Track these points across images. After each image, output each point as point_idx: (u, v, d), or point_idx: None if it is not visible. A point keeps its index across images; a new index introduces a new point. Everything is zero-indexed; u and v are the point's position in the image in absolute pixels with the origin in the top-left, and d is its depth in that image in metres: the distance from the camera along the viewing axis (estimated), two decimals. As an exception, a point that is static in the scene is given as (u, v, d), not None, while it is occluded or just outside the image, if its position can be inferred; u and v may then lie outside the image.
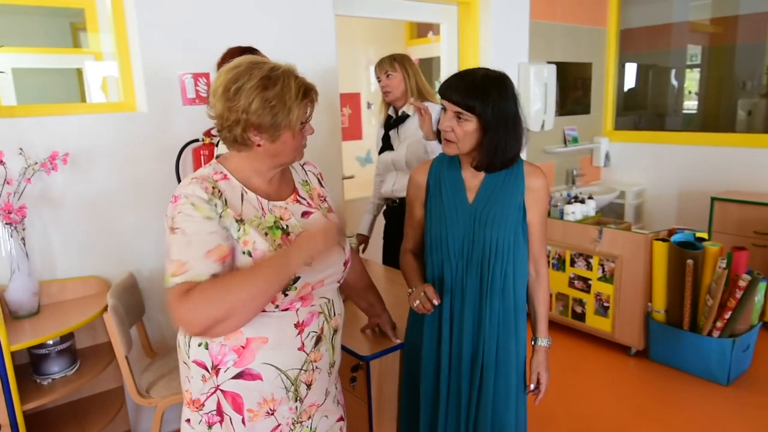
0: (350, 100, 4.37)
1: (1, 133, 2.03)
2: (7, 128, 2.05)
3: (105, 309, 2.01)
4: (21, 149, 2.05)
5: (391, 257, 2.65)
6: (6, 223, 1.98)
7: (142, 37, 2.30)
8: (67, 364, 2.08)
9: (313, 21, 2.79)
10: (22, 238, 2.03)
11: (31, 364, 2.06)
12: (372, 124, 4.41)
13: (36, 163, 2.06)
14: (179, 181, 2.43)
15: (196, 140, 2.43)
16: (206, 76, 2.45)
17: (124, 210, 2.35)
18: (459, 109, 1.42)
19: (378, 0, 3.26)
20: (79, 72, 2.93)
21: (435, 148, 2.36)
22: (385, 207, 2.72)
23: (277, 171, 1.29)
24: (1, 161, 1.98)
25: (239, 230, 1.17)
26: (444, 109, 1.47)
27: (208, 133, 2.41)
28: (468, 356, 1.55)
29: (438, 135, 1.53)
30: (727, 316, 2.77)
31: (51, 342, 2.01)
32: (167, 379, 2.14)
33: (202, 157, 2.43)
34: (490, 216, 1.50)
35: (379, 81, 2.56)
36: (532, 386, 1.61)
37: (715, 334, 2.82)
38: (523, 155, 1.58)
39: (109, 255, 2.34)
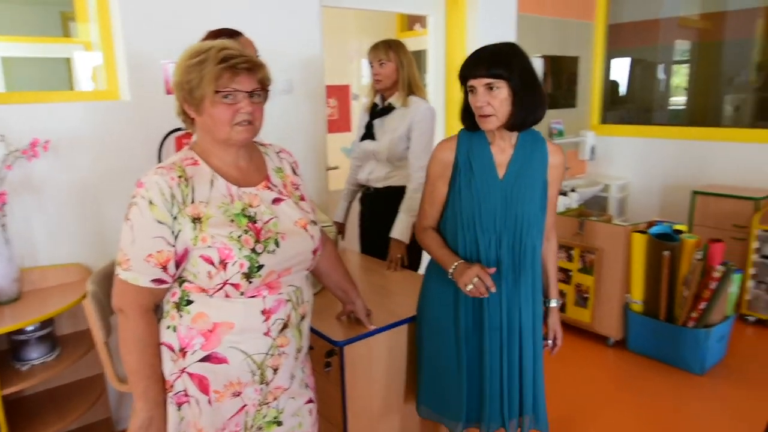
0: (339, 92, 4.38)
1: (-19, 120, 2.04)
2: (-12, 115, 2.06)
3: (85, 296, 2.03)
4: (2, 136, 2.06)
5: (369, 245, 2.67)
6: (-14, 210, 2.00)
7: (125, 24, 2.31)
8: (47, 350, 2.10)
9: (300, 11, 2.80)
10: (3, 225, 2.05)
11: (11, 349, 2.08)
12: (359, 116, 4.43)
13: (17, 149, 2.07)
14: (161, 169, 2.45)
15: (179, 129, 2.45)
16: (189, 65, 2.46)
17: (107, 198, 2.36)
18: (489, 80, 1.49)
19: (364, -9, 3.27)
20: (68, 62, 2.94)
21: (416, 145, 2.38)
22: (360, 194, 2.71)
23: (235, 154, 1.28)
24: (-19, 148, 1.99)
25: (195, 229, 1.18)
26: (471, 90, 1.53)
27: (190, 122, 2.42)
28: (506, 324, 1.65)
29: (466, 118, 1.61)
30: (702, 306, 2.82)
31: (30, 328, 2.03)
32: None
33: (184, 145, 2.45)
34: (521, 192, 1.60)
35: (371, 67, 2.48)
36: (550, 342, 1.79)
37: (690, 324, 2.87)
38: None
39: (91, 242, 2.36)
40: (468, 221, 1.61)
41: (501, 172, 1.61)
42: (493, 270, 1.56)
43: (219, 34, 1.80)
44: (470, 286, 1.52)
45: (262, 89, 1.26)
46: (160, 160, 2.43)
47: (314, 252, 1.35)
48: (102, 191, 2.35)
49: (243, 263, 1.18)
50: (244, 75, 1.21)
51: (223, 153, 1.27)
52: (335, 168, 3.50)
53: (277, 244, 1.24)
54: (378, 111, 2.51)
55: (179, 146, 2.46)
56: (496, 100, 1.50)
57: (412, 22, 4.60)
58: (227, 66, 1.18)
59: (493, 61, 1.49)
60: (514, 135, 1.62)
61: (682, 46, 4.61)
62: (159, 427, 1.24)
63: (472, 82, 1.52)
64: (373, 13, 4.41)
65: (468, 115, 1.60)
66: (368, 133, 2.53)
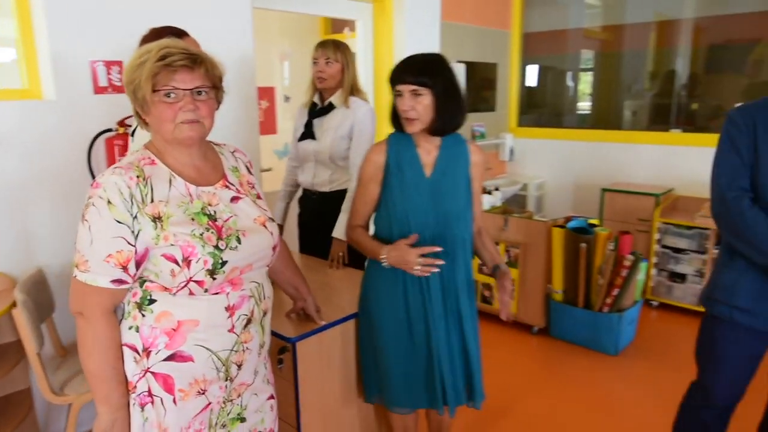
0: (265, 94, 4.35)
1: None
2: None
3: (11, 306, 1.92)
4: None
5: (307, 246, 2.69)
6: None
7: (51, 20, 2.20)
8: (-30, 365, 1.97)
9: (231, 13, 2.78)
10: None
11: (-72, 367, 1.92)
12: (287, 119, 4.43)
13: (-71, 152, 1.92)
14: (91, 172, 2.35)
15: (109, 130, 2.36)
16: (119, 63, 2.38)
17: (32, 203, 2.24)
18: (415, 87, 1.62)
19: (295, -6, 3.30)
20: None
21: (359, 145, 2.44)
22: (301, 195, 2.71)
23: (188, 153, 1.28)
24: None
25: (156, 228, 1.18)
26: (399, 94, 1.66)
27: (122, 123, 2.35)
28: (448, 311, 1.77)
29: (395, 120, 1.72)
30: (615, 293, 3.10)
31: (-49, 342, 1.90)
32: (83, 376, 2.07)
33: (115, 147, 2.37)
34: (447, 188, 1.73)
35: (315, 63, 2.45)
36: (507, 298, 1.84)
37: (605, 310, 3.15)
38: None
39: (13, 250, 2.22)
40: (402, 218, 1.72)
41: (428, 172, 1.74)
42: (415, 237, 1.67)
43: (162, 33, 1.77)
44: (418, 268, 1.62)
45: (211, 86, 1.25)
46: (89, 162, 2.33)
47: (273, 248, 1.38)
48: (27, 195, 2.22)
49: (207, 260, 1.20)
50: (184, 72, 1.19)
51: (177, 152, 1.27)
52: (268, 170, 3.49)
53: (238, 240, 1.27)
54: (318, 110, 2.53)
55: (110, 148, 2.37)
56: (420, 105, 1.64)
57: (341, 25, 4.66)
58: (163, 64, 1.17)
59: (420, 70, 1.63)
60: (438, 138, 1.75)
61: (586, 55, 5.00)
62: (122, 429, 1.23)
63: (399, 87, 1.66)
64: (298, 15, 4.43)
65: (397, 118, 1.73)
66: (308, 132, 2.54)
